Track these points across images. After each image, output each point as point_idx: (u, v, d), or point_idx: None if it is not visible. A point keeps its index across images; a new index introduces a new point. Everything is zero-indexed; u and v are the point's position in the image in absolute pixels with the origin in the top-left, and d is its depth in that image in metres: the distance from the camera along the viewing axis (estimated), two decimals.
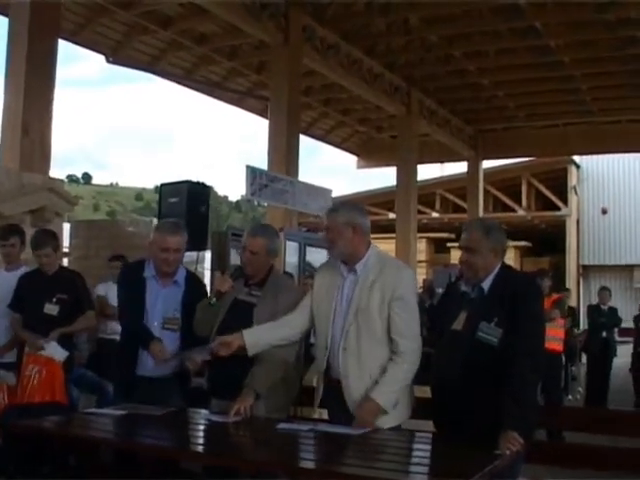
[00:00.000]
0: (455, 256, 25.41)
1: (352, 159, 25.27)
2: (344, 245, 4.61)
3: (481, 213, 22.65)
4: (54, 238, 6.96)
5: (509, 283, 4.37)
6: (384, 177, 31.18)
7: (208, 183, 10.00)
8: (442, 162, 26.24)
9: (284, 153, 13.70)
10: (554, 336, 10.45)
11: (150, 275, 5.59)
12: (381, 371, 4.48)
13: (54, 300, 6.69)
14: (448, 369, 4.36)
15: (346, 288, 4.65)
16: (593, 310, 14.67)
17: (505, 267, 4.51)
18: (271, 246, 5.15)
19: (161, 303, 5.52)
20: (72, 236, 10.71)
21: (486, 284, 4.40)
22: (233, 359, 4.74)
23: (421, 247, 25.05)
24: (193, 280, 5.80)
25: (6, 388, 6.66)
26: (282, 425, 4.45)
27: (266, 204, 14.42)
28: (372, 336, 4.52)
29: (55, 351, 6.50)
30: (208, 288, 8.69)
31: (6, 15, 10.62)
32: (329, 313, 4.65)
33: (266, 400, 4.83)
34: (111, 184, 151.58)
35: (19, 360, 6.66)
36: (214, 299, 5.16)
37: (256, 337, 4.74)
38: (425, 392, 4.63)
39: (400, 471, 3.65)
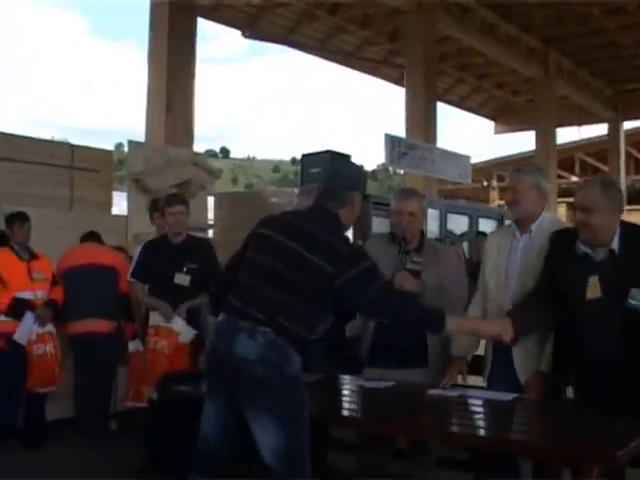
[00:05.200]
0: None
1: (489, 124, 24.99)
2: (527, 205, 4.59)
3: (623, 176, 22.09)
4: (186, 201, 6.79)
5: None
6: (521, 142, 30.47)
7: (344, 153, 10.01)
8: (581, 125, 25.63)
9: (421, 120, 13.68)
10: None
11: None
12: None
13: (185, 270, 6.46)
14: (603, 343, 4.16)
15: (519, 249, 4.63)
16: None
17: (625, 225, 4.20)
18: (424, 205, 5.24)
19: None
20: (216, 208, 10.94)
21: (614, 245, 4.11)
22: (397, 328, 4.82)
23: (561, 212, 24.44)
24: None
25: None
26: (432, 391, 4.48)
27: (402, 172, 14.42)
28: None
29: (180, 327, 6.34)
30: None
31: None
32: (501, 275, 4.65)
33: (438, 367, 4.89)
34: (249, 157, 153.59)
35: (143, 331, 6.70)
36: None
37: None
38: None
39: (546, 435, 3.63)
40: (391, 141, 11.74)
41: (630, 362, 4.04)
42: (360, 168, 4.58)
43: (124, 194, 9.96)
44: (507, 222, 4.94)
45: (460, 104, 23.21)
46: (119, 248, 8.06)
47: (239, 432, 3.94)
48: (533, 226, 4.62)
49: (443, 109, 29.63)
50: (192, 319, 6.39)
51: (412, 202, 5.09)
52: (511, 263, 4.64)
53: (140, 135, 10.66)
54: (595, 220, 4.08)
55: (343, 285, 3.87)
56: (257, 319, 3.86)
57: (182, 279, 6.43)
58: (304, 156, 9.65)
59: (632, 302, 4.03)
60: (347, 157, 9.51)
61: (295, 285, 3.88)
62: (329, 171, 4.55)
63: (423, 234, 5.24)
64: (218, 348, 3.97)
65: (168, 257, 6.52)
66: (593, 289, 4.15)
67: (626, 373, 4.03)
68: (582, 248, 4.18)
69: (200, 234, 8.53)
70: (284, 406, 3.82)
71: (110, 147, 12.51)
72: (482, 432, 3.91)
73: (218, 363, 3.97)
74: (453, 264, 5.15)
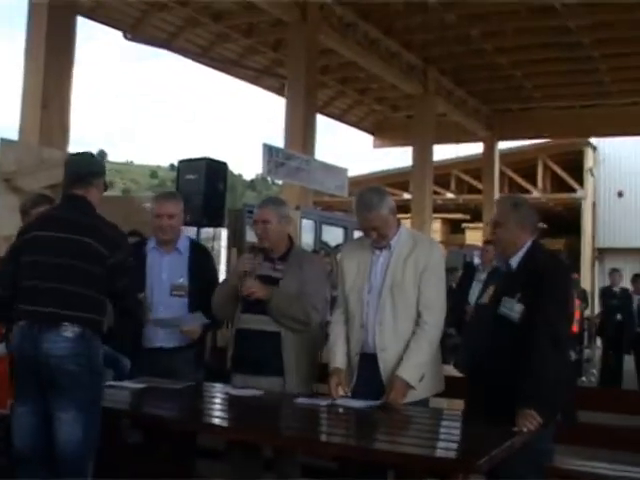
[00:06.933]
0: (470, 237, 25.35)
1: (368, 139, 25.21)
2: (390, 231, 4.70)
3: (496, 194, 22.57)
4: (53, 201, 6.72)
5: (537, 260, 4.35)
6: (400, 157, 30.90)
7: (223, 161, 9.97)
8: (458, 142, 26.09)
9: (300, 132, 13.68)
10: None
11: (151, 247, 5.61)
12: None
13: None
14: (477, 343, 4.41)
15: (379, 264, 4.72)
16: (605, 292, 14.67)
17: (537, 245, 4.48)
18: (281, 212, 5.20)
19: (166, 271, 5.50)
20: None
21: (515, 260, 4.39)
22: (258, 335, 4.85)
23: (436, 227, 24.84)
24: (197, 248, 5.84)
25: None
26: (301, 400, 4.48)
27: (281, 183, 14.42)
28: (407, 310, 4.58)
29: None
30: (223, 266, 8.68)
31: None
32: (362, 290, 4.70)
33: (294, 376, 4.92)
34: (127, 162, 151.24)
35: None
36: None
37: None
38: (448, 371, 4.65)
39: (413, 445, 3.67)
40: (269, 151, 11.71)
41: (498, 369, 4.19)
42: (99, 159, 4.78)
43: None
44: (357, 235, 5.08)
45: (341, 117, 23.35)
46: None
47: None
48: (392, 241, 4.73)
49: (327, 122, 29.87)
50: None
51: (266, 211, 5.16)
52: (373, 279, 4.72)
53: (14, 133, 10.37)
54: (503, 234, 4.40)
55: (111, 266, 4.14)
56: (58, 316, 3.99)
57: None
58: (180, 162, 9.55)
59: (502, 310, 4.28)
60: (223, 164, 9.52)
61: (83, 273, 4.07)
62: (70, 161, 4.66)
63: (292, 242, 5.29)
64: (24, 351, 4.04)
65: None
66: (486, 297, 4.48)
67: (495, 379, 4.18)
68: (495, 262, 4.52)
69: None
70: (90, 400, 4.02)
71: None
72: (347, 441, 3.93)
73: (27, 366, 4.03)
74: (315, 271, 5.19)
